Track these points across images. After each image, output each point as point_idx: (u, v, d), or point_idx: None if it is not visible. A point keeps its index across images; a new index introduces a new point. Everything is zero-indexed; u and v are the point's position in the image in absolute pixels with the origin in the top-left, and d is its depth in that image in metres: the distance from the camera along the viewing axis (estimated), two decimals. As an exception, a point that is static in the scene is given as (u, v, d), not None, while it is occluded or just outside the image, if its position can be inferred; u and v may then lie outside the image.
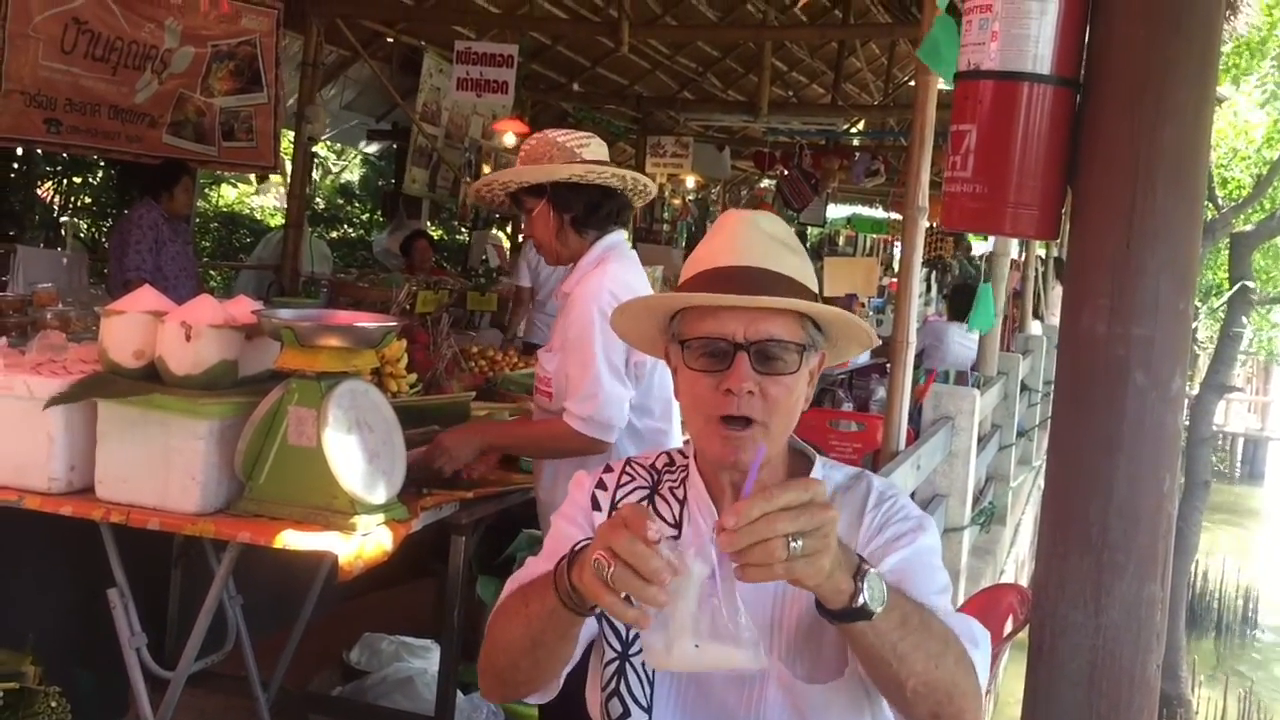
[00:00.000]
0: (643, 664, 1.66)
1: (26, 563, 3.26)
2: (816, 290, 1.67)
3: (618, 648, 1.67)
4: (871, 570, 1.36)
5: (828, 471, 1.73)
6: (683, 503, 1.72)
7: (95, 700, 3.28)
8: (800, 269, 1.65)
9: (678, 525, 1.71)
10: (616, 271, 2.93)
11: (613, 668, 1.67)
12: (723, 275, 1.61)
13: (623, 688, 1.66)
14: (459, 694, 3.41)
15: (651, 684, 1.66)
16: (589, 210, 2.94)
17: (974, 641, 1.52)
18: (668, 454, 1.80)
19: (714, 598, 1.33)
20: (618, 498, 1.75)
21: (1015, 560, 8.00)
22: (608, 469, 1.80)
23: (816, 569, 1.29)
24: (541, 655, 1.56)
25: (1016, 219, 1.96)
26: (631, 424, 2.93)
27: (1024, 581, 8.08)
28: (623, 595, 1.31)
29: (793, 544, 1.26)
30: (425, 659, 4.00)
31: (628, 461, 1.81)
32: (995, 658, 2.90)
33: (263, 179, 12.72)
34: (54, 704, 2.62)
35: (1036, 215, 1.95)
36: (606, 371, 2.84)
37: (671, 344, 1.67)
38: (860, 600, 1.34)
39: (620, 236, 3.05)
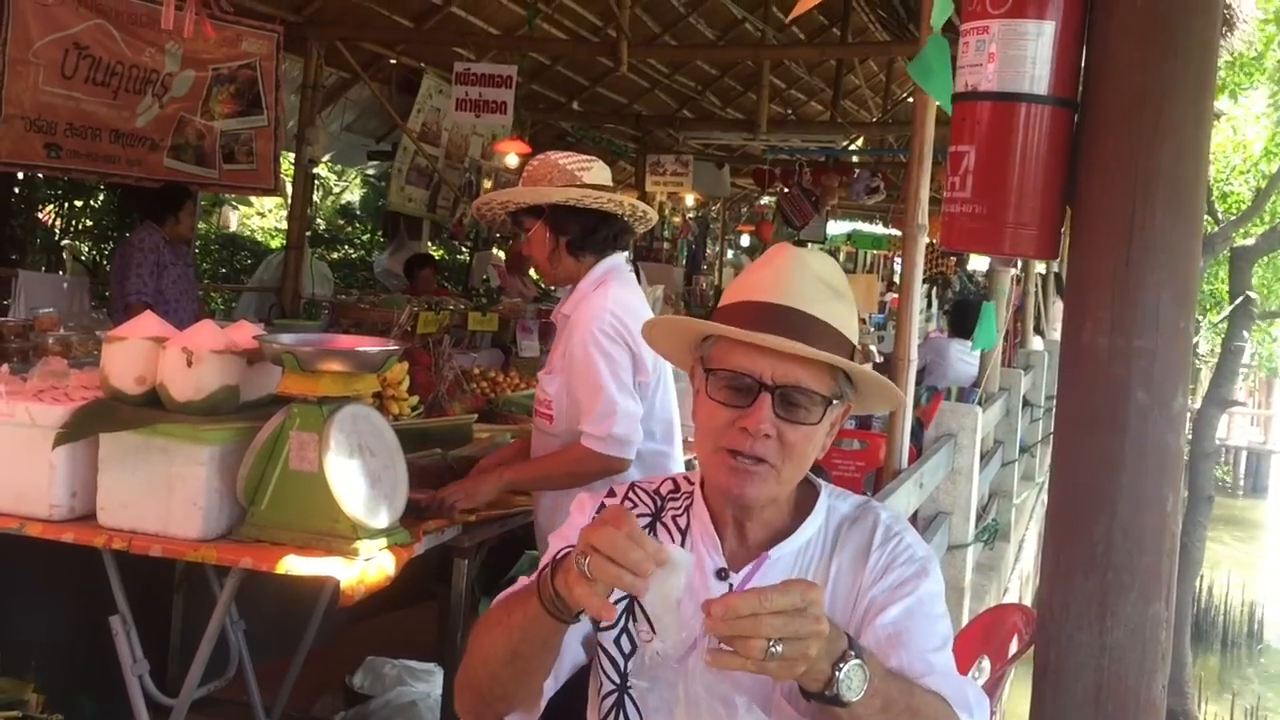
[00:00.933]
0: (642, 696, 1.64)
1: (29, 590, 3.25)
2: (856, 339, 1.63)
3: (615, 680, 1.65)
4: (853, 662, 1.34)
5: (834, 502, 1.71)
6: (684, 532, 1.70)
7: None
8: (844, 317, 1.62)
9: None
10: (618, 293, 2.93)
11: (610, 700, 1.65)
12: (763, 312, 1.58)
13: (621, 719, 1.65)
14: None
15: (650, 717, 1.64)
16: (585, 233, 2.96)
17: (968, 710, 1.50)
18: (673, 480, 1.78)
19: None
20: None
21: (1019, 576, 7.97)
22: (610, 493, 1.78)
23: (790, 671, 1.30)
24: (520, 666, 1.54)
25: (1016, 239, 1.96)
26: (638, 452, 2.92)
27: (1028, 597, 8.06)
28: (605, 592, 1.32)
29: (773, 647, 1.26)
30: (428, 682, 3.99)
31: (632, 486, 1.79)
32: (1000, 679, 2.89)
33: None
34: (56, 731, 2.61)
35: (1035, 235, 1.96)
36: (616, 390, 2.84)
37: (698, 366, 1.65)
38: (834, 690, 1.34)
39: (620, 260, 3.05)
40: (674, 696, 1.51)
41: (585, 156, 3.05)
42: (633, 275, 3.10)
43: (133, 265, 6.37)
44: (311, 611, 3.38)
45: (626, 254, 3.12)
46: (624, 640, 1.66)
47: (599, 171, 3.01)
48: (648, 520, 1.73)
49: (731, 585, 1.63)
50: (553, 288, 12.21)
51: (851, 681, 1.34)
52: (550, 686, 1.64)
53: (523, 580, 1.71)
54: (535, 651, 1.52)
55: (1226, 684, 11.98)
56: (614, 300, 2.90)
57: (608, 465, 2.84)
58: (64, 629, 3.29)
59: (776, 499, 1.62)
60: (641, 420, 2.91)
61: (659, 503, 1.76)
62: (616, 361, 2.85)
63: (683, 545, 1.69)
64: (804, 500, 1.69)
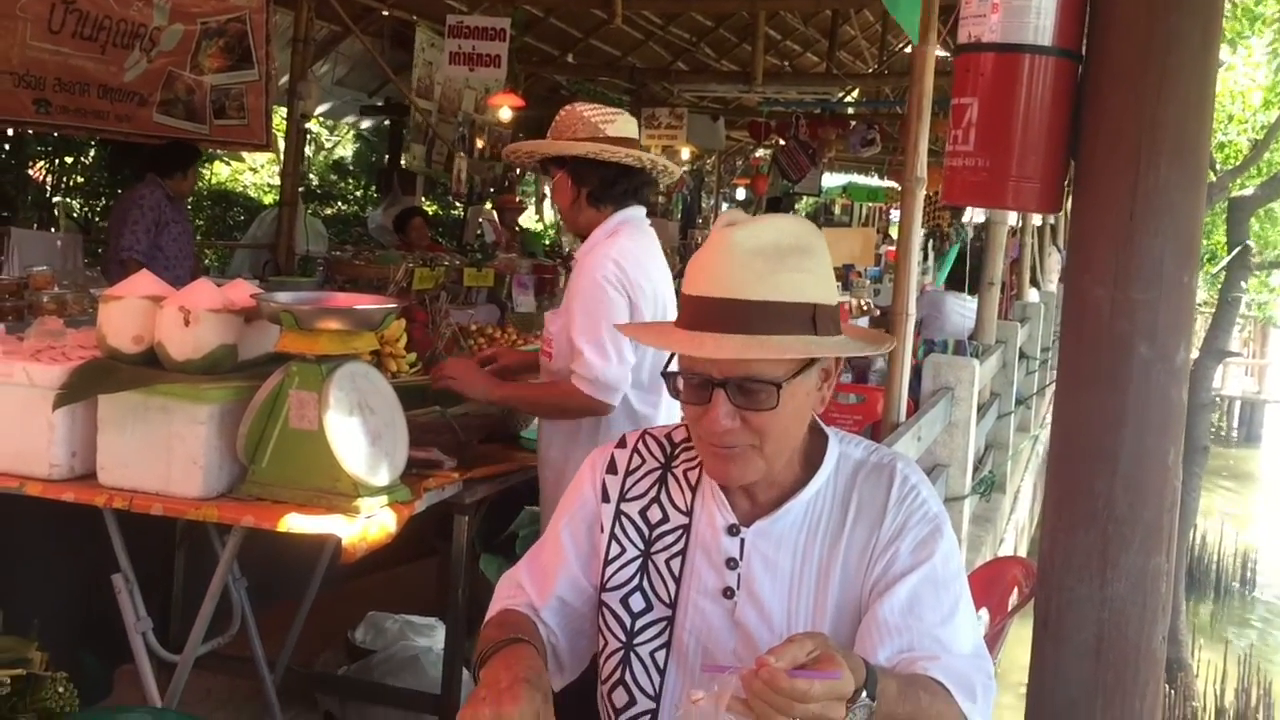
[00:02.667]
0: (652, 652, 1.65)
1: (30, 549, 3.26)
2: (823, 294, 1.57)
3: (622, 637, 1.66)
4: (863, 703, 1.35)
5: (845, 448, 1.69)
6: (694, 487, 1.70)
7: (102, 685, 3.29)
8: (796, 283, 1.53)
9: (688, 512, 1.69)
10: (626, 245, 3.01)
11: (617, 658, 1.66)
12: (701, 308, 1.54)
13: (628, 677, 1.65)
14: (464, 671, 3.42)
15: (662, 672, 1.65)
16: (604, 185, 3.04)
17: (972, 697, 1.51)
18: (686, 428, 1.73)
19: None
20: (627, 485, 1.73)
21: (1015, 527, 8.02)
22: (621, 443, 1.77)
23: None
24: None
25: (1019, 192, 1.95)
26: (625, 399, 2.98)
27: (1024, 549, 8.12)
28: None
29: None
30: (430, 637, 4.01)
31: (643, 435, 1.78)
32: (1000, 632, 2.91)
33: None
34: (61, 689, 2.61)
35: (1039, 188, 1.94)
36: (608, 336, 2.90)
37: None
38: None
39: (638, 213, 3.13)
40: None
41: (611, 109, 3.13)
42: (650, 229, 3.16)
43: (129, 220, 6.32)
44: (313, 567, 3.39)
45: (645, 208, 3.17)
46: (632, 600, 1.66)
47: (623, 124, 3.08)
48: (658, 474, 1.73)
49: (743, 541, 1.63)
50: (550, 244, 12.18)
51: (857, 716, 1.36)
52: (568, 663, 1.70)
53: (528, 555, 1.77)
54: None
55: (1220, 632, 12.11)
56: (620, 250, 2.98)
57: (590, 405, 2.92)
58: (67, 588, 3.30)
59: (770, 471, 1.60)
60: (634, 369, 2.96)
61: (670, 451, 1.75)
62: (613, 308, 2.92)
63: (690, 503, 1.69)
64: (813, 451, 1.67)
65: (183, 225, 6.65)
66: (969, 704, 1.50)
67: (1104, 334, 1.90)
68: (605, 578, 1.69)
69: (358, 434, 2.65)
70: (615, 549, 1.69)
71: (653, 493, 1.71)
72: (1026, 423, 9.21)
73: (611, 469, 1.75)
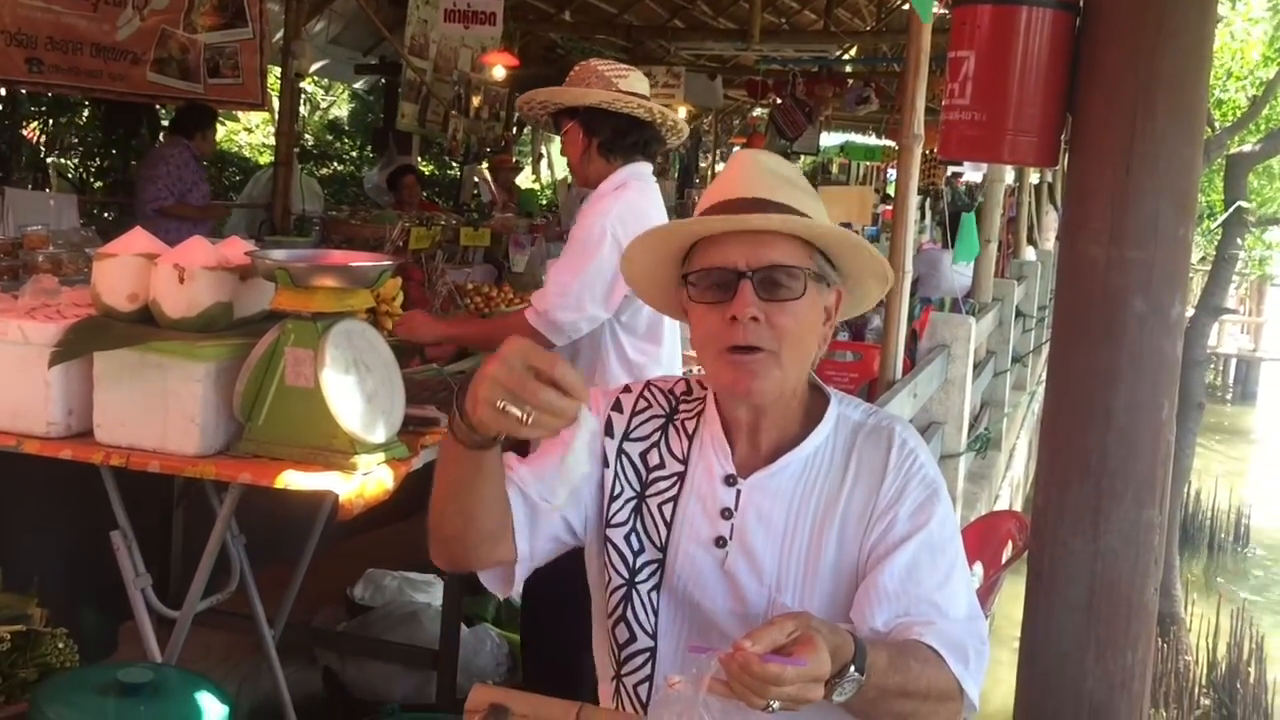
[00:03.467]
0: (649, 591, 1.67)
1: (29, 506, 3.27)
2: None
3: (624, 574, 1.68)
4: (851, 677, 1.38)
5: (844, 410, 1.72)
6: (691, 436, 1.72)
7: (103, 642, 3.31)
8: (809, 206, 1.63)
9: (684, 460, 1.71)
10: (631, 197, 3.06)
11: (620, 594, 1.68)
12: (727, 208, 1.61)
13: (629, 614, 1.68)
14: (463, 627, 3.45)
15: (656, 613, 1.67)
16: (615, 136, 3.09)
17: (964, 662, 1.53)
18: (687, 381, 1.79)
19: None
20: (632, 425, 1.75)
21: (1010, 484, 8.06)
22: (626, 389, 1.80)
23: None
24: (462, 501, 1.55)
25: (1015, 146, 1.95)
26: (621, 346, 3.05)
27: (1019, 506, 8.16)
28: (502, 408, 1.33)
29: (773, 704, 1.31)
30: (428, 593, 4.04)
31: (648, 384, 1.81)
32: (994, 585, 2.93)
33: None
34: (61, 645, 2.64)
35: (1036, 142, 1.94)
36: (579, 280, 2.96)
37: (681, 288, 1.67)
38: (827, 693, 1.38)
39: (645, 168, 3.18)
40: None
41: (624, 65, 3.20)
42: (655, 186, 3.22)
43: (157, 175, 6.67)
44: (311, 524, 3.41)
45: (651, 164, 3.22)
46: (631, 539, 1.68)
47: (635, 80, 3.14)
48: (661, 421, 1.74)
49: (739, 492, 1.66)
50: (547, 205, 12.13)
51: (845, 691, 1.39)
52: (525, 549, 1.65)
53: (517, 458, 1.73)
54: (469, 485, 1.53)
55: (1213, 587, 12.19)
56: (624, 203, 3.03)
57: (534, 339, 2.93)
58: (65, 545, 3.31)
59: (784, 391, 1.63)
60: (630, 316, 3.01)
61: (673, 404, 1.77)
62: (599, 259, 2.96)
63: (688, 451, 1.71)
64: (814, 409, 1.70)
65: (205, 187, 6.84)
66: (961, 669, 1.52)
67: (1099, 288, 1.90)
68: (610, 514, 1.71)
69: (354, 391, 2.65)
70: (617, 486, 1.71)
71: (654, 438, 1.73)
72: (1023, 381, 9.24)
73: (617, 408, 1.77)
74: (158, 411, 2.65)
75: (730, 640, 1.61)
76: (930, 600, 1.56)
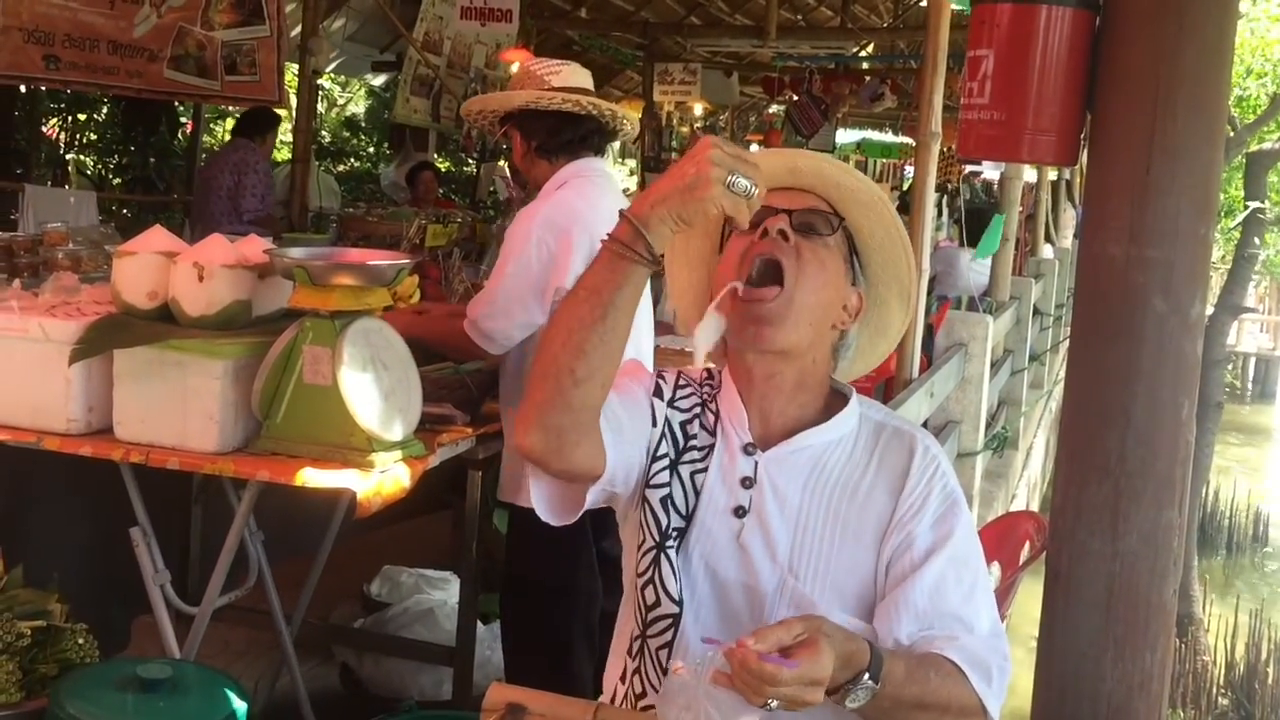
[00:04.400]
0: (676, 556, 1.68)
1: (50, 503, 3.29)
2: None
3: (656, 536, 1.69)
4: (865, 684, 1.40)
5: (866, 410, 1.74)
6: (717, 415, 1.75)
7: (122, 637, 3.34)
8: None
9: (714, 434, 1.74)
10: (567, 197, 3.00)
11: (650, 556, 1.69)
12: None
13: (657, 577, 1.68)
14: (479, 624, 3.45)
15: (679, 580, 1.68)
16: (550, 135, 3.03)
17: (987, 679, 1.53)
18: (707, 370, 1.83)
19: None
20: (677, 394, 1.78)
21: (1027, 484, 8.03)
22: (662, 375, 1.83)
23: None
24: (611, 322, 1.49)
25: (1035, 145, 1.93)
26: None
27: (1035, 505, 8.13)
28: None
29: (771, 702, 1.33)
30: (445, 590, 4.05)
31: (680, 374, 1.84)
32: (1011, 585, 2.92)
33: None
34: (81, 641, 2.65)
35: (1055, 141, 1.93)
36: (505, 289, 2.94)
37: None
38: (839, 698, 1.41)
39: (591, 164, 3.10)
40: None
41: (560, 61, 3.12)
42: (602, 179, 3.13)
43: (251, 186, 6.65)
44: (328, 520, 3.42)
45: (599, 157, 3.15)
46: (666, 503, 1.70)
47: (570, 75, 3.07)
48: (698, 400, 1.77)
49: (758, 462, 1.67)
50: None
51: (858, 697, 1.41)
52: (614, 460, 1.63)
53: None
54: (622, 303, 1.49)
55: (1231, 587, 12.12)
56: (553, 204, 2.98)
57: (470, 348, 3.02)
58: (85, 541, 3.33)
59: (793, 347, 1.64)
60: None
61: (705, 388, 1.80)
62: (522, 264, 2.93)
63: (715, 427, 1.74)
64: (834, 404, 1.72)
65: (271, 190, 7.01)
66: (984, 686, 1.53)
67: (1118, 287, 1.89)
68: (651, 474, 1.72)
69: (371, 389, 2.66)
70: (662, 447, 1.73)
71: (693, 411, 1.76)
72: (1040, 379, 9.20)
73: (662, 376, 1.80)
74: (177, 409, 2.67)
75: (737, 618, 1.63)
76: (955, 615, 1.58)
